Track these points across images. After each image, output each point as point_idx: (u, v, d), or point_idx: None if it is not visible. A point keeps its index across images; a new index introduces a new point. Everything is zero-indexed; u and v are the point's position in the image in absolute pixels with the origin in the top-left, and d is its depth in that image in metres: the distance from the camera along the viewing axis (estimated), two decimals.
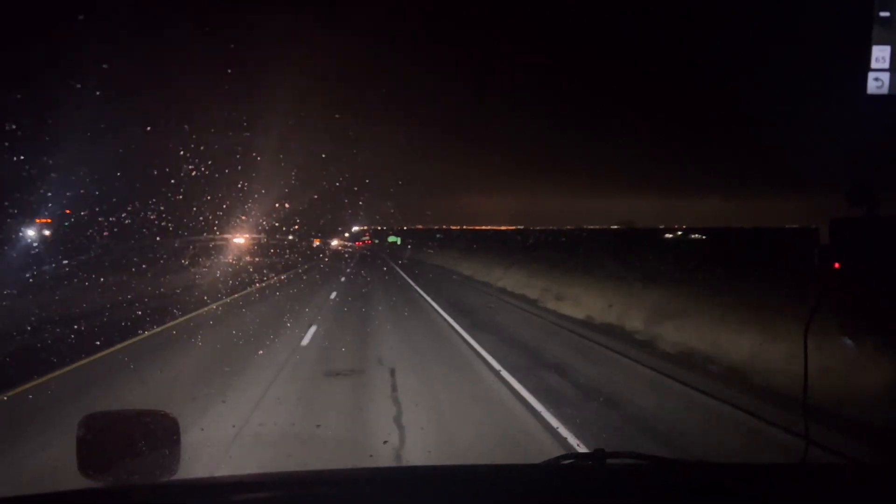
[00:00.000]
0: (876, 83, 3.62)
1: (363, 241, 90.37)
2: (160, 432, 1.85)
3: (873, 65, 3.64)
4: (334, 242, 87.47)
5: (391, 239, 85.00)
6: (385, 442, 5.72)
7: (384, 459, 5.26)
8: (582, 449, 5.55)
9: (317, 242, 77.25)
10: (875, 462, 5.22)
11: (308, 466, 4.93)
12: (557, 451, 4.44)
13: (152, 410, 1.91)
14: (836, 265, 1.87)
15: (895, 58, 3.53)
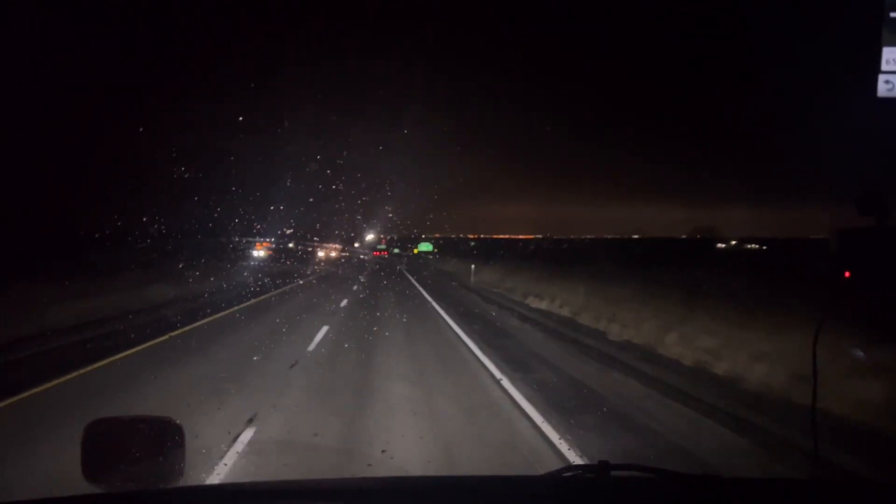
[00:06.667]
0: (886, 86, 3.58)
1: (380, 251, 79.31)
2: (164, 438, 1.86)
3: (884, 67, 3.59)
4: (322, 253, 56.99)
5: (422, 247, 59.78)
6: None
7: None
8: None
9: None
10: (884, 479, 5.08)
11: None
12: None
13: (157, 417, 1.91)
14: (847, 274, 1.83)
15: None
